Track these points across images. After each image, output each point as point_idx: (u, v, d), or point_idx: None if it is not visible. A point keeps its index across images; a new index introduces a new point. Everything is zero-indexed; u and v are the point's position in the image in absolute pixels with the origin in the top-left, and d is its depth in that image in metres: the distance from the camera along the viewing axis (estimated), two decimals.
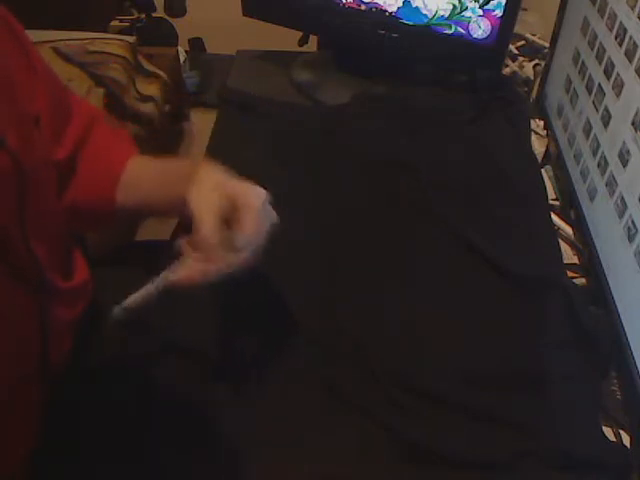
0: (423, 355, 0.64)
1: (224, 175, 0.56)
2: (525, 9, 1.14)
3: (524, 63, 1.09)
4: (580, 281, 0.75)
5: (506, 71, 1.07)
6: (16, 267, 0.49)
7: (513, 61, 1.09)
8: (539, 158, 0.91)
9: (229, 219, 0.53)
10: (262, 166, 0.85)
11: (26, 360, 0.54)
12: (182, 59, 1.82)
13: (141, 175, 0.64)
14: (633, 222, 0.63)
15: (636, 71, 0.64)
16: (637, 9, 0.64)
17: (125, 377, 0.60)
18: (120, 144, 0.68)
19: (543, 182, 0.86)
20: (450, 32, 0.91)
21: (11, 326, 0.49)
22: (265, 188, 0.56)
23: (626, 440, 0.60)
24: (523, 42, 1.14)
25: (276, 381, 0.61)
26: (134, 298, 0.54)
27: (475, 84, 0.99)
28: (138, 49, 1.56)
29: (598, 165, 0.73)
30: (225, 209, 0.53)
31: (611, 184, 0.69)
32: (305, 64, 1.06)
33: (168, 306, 0.67)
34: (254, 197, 0.55)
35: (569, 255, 0.78)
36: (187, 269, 0.52)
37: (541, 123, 0.96)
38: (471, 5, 0.88)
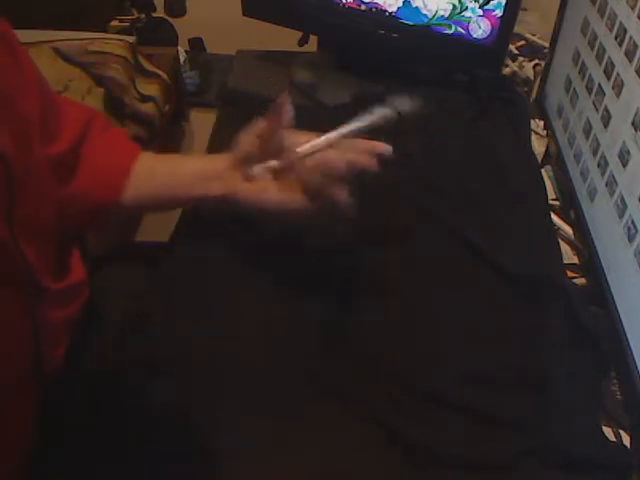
0: (423, 355, 0.64)
1: None
2: (525, 9, 1.14)
3: (524, 63, 1.09)
4: (580, 281, 0.75)
5: (506, 71, 1.07)
6: (6, 268, 0.49)
7: (513, 61, 1.09)
8: (539, 158, 0.91)
9: None
10: None
11: (20, 361, 0.54)
12: (182, 59, 1.82)
13: (154, 170, 0.65)
14: (633, 222, 0.63)
15: (636, 71, 0.64)
16: (637, 9, 0.64)
17: (123, 378, 0.60)
18: (126, 140, 0.68)
19: (543, 182, 0.86)
20: (450, 32, 0.91)
21: (2, 327, 0.49)
22: None
23: (626, 440, 0.60)
24: (523, 42, 1.14)
25: (275, 381, 0.61)
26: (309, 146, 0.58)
27: (475, 84, 0.98)
28: (138, 49, 1.56)
29: (598, 165, 0.73)
30: None
31: (611, 184, 0.69)
32: (305, 64, 1.06)
33: (167, 306, 0.68)
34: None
35: (569, 255, 0.78)
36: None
37: (541, 123, 0.96)
38: (471, 5, 0.88)
